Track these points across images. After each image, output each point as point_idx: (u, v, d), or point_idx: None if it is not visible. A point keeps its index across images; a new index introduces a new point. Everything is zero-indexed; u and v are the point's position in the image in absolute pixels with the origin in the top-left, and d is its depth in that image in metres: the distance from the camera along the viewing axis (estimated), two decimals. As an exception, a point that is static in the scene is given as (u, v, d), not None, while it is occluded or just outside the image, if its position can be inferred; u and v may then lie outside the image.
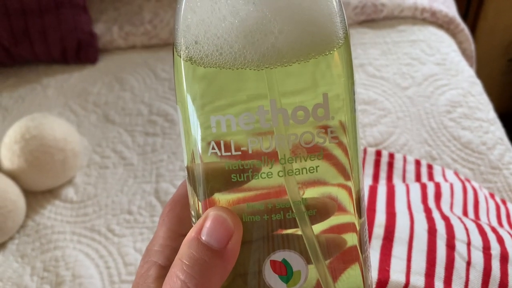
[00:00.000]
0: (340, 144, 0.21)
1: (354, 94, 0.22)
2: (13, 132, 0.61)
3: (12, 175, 0.61)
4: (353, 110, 0.22)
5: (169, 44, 0.90)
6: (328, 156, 0.21)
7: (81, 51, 0.87)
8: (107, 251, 0.57)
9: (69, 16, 0.86)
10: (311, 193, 0.21)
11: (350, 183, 0.22)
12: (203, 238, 0.21)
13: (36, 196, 0.64)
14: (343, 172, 0.22)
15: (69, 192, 0.64)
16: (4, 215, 0.56)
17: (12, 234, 0.59)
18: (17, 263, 0.57)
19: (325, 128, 0.21)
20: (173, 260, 0.23)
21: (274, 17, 0.20)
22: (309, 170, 0.21)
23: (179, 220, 0.25)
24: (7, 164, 0.61)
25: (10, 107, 0.80)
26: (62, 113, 0.77)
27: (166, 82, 0.81)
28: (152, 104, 0.77)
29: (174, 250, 0.24)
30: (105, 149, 0.70)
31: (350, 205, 0.22)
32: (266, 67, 0.20)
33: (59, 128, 0.63)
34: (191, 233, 0.21)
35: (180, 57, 0.21)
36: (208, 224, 0.21)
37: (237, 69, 0.20)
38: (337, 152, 0.21)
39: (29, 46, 0.85)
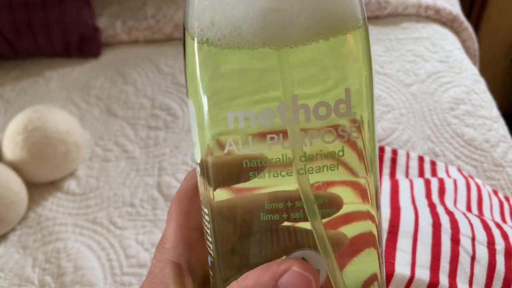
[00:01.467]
0: (360, 140, 0.21)
1: (373, 89, 0.21)
2: (16, 124, 0.61)
3: (15, 167, 0.61)
4: (373, 105, 0.21)
5: (172, 39, 0.90)
6: (349, 153, 0.21)
7: (84, 45, 0.87)
8: (109, 243, 0.56)
9: (73, 10, 0.86)
10: (330, 190, 0.21)
11: (369, 179, 0.22)
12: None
13: (38, 188, 0.64)
14: (363, 169, 0.21)
15: (71, 184, 0.64)
16: (6, 206, 0.56)
17: (13, 226, 0.59)
18: (19, 255, 0.56)
19: (347, 124, 0.20)
20: (187, 256, 0.23)
21: None
22: (330, 167, 0.21)
23: (187, 214, 0.25)
24: (10, 155, 0.61)
25: (12, 99, 0.80)
26: (64, 106, 0.77)
27: (169, 76, 0.81)
28: (154, 98, 0.76)
29: (187, 246, 0.24)
30: (107, 142, 0.70)
31: (370, 199, 0.22)
32: (286, 45, 0.19)
33: (62, 120, 0.63)
34: (264, 276, 0.20)
35: (194, 40, 0.20)
36: (290, 277, 0.20)
37: (256, 48, 0.19)
38: (358, 149, 0.21)
39: (32, 39, 0.85)
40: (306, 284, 0.20)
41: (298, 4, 0.19)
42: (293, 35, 0.19)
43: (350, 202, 0.22)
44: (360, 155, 0.21)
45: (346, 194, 0.22)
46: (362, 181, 0.22)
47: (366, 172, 0.22)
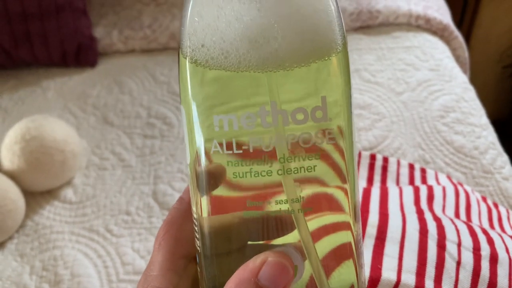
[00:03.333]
0: (337, 146, 0.22)
1: (351, 99, 0.23)
2: (14, 133, 0.62)
3: (12, 175, 0.62)
4: (350, 115, 0.23)
5: (168, 49, 0.91)
6: (326, 157, 0.22)
7: (81, 54, 0.88)
8: (105, 251, 0.57)
9: (69, 20, 0.87)
10: (308, 191, 0.22)
11: (346, 186, 0.23)
12: (262, 281, 0.21)
13: (35, 197, 0.65)
14: (340, 174, 0.23)
15: (68, 193, 0.65)
16: (4, 214, 0.57)
17: (11, 234, 0.60)
18: (16, 262, 0.57)
19: (323, 129, 0.22)
20: (176, 284, 0.24)
21: (277, 23, 0.21)
22: (307, 169, 0.22)
23: (177, 241, 0.25)
24: (7, 164, 0.62)
25: (10, 109, 0.81)
26: (61, 115, 0.78)
27: (164, 85, 0.82)
28: (150, 107, 0.78)
29: (177, 273, 0.24)
30: (104, 151, 0.71)
31: (345, 206, 0.23)
32: (269, 71, 0.21)
33: (59, 130, 0.64)
34: (244, 274, 0.21)
35: (186, 59, 0.22)
36: (267, 269, 0.21)
37: (241, 72, 0.21)
38: (334, 154, 0.22)
39: (29, 49, 0.86)
40: (284, 271, 0.21)
41: (282, 33, 0.21)
42: (276, 62, 0.21)
43: (329, 209, 0.23)
44: (338, 164, 0.23)
45: (325, 200, 0.23)
46: (339, 189, 0.23)
47: (344, 180, 0.23)
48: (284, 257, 0.22)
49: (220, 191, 0.23)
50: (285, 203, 0.22)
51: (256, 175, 0.22)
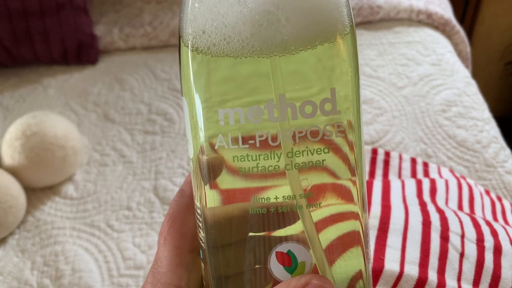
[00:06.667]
0: (347, 139, 0.22)
1: (359, 90, 0.22)
2: (14, 129, 0.62)
3: (13, 172, 0.62)
4: (359, 106, 0.22)
5: (169, 46, 0.91)
6: (335, 150, 0.21)
7: (82, 52, 0.88)
8: (106, 246, 0.57)
9: (70, 18, 0.87)
10: (317, 186, 0.22)
11: (355, 179, 0.22)
12: None
13: (36, 193, 0.65)
14: (349, 167, 0.22)
15: (69, 188, 0.65)
16: (5, 210, 0.57)
17: (12, 230, 0.60)
18: (18, 258, 0.57)
19: (332, 122, 0.21)
20: (187, 279, 0.23)
21: (281, 5, 0.20)
22: (315, 163, 0.21)
23: (182, 235, 0.24)
24: (8, 160, 0.62)
25: (11, 106, 0.81)
26: (62, 112, 0.78)
27: (165, 82, 0.82)
28: (151, 104, 0.78)
29: (186, 269, 0.24)
30: (105, 147, 0.71)
31: (354, 199, 0.23)
32: (274, 55, 0.20)
33: (59, 126, 0.64)
34: None
35: (187, 47, 0.21)
36: None
37: (245, 57, 0.20)
38: (344, 147, 0.22)
39: (30, 47, 0.86)
40: None
41: (286, 15, 0.20)
42: (281, 45, 0.20)
43: (337, 202, 0.22)
44: (347, 157, 0.22)
45: (333, 194, 0.22)
46: (348, 182, 0.22)
47: (353, 173, 0.22)
48: (327, 282, 0.22)
49: (227, 185, 0.22)
50: (292, 198, 0.21)
51: (263, 170, 0.21)
